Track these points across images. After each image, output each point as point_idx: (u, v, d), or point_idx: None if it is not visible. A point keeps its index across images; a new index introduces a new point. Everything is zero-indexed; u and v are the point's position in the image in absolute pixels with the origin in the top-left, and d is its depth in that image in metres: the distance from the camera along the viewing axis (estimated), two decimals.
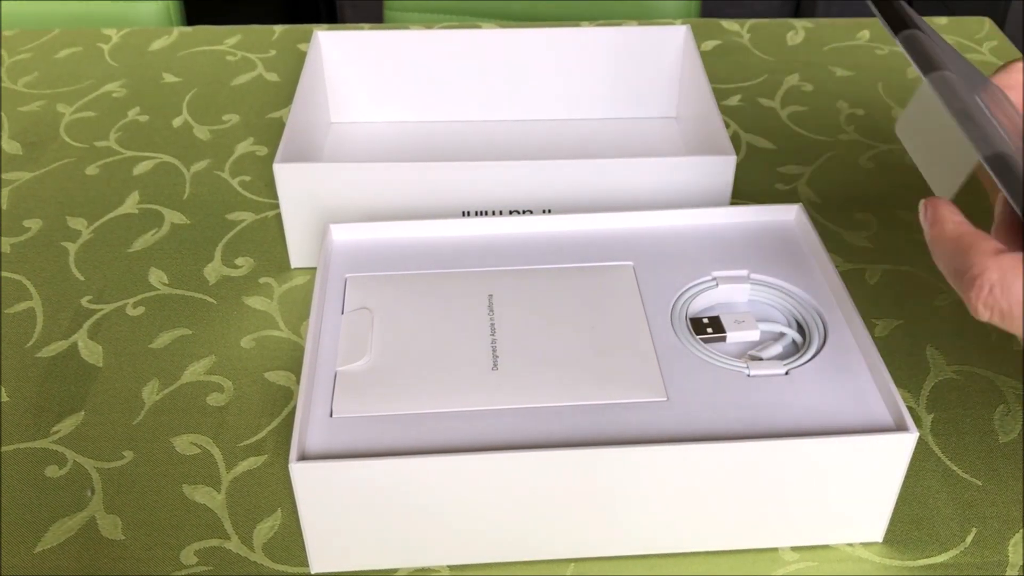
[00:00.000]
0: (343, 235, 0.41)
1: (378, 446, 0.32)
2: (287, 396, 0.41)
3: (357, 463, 0.31)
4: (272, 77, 0.62)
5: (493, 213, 0.45)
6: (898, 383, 0.41)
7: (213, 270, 0.47)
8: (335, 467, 0.31)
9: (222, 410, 0.40)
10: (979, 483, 0.37)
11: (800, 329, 0.37)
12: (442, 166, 0.44)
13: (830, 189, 0.52)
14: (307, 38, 0.66)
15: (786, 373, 0.35)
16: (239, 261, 0.48)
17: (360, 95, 0.55)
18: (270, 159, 0.55)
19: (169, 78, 0.62)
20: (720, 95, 0.60)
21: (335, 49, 0.54)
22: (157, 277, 0.47)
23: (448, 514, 0.32)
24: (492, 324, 0.37)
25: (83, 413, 0.40)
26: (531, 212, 0.45)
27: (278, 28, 0.67)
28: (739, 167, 0.53)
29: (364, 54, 0.54)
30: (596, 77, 0.55)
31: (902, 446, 0.32)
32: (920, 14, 1.02)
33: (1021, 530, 0.35)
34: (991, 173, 0.26)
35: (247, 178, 0.53)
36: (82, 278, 0.47)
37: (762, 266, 0.39)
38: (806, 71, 0.62)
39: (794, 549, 0.34)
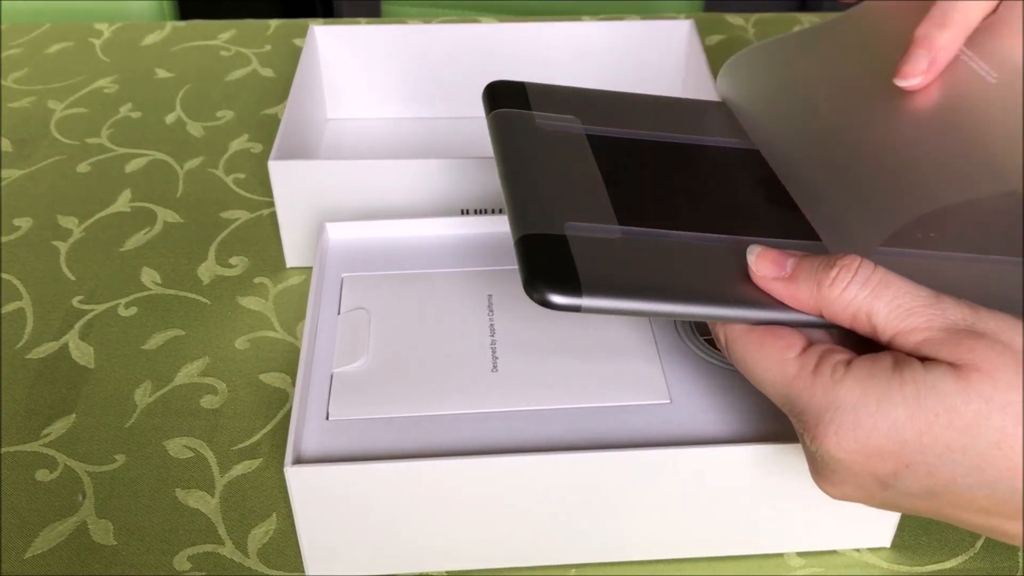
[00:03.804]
0: (339, 234, 0.40)
1: (375, 449, 0.32)
2: (282, 398, 0.40)
3: (354, 467, 0.30)
4: (267, 73, 0.62)
5: (493, 211, 0.44)
6: None
7: (207, 270, 0.47)
8: (331, 471, 0.30)
9: (216, 412, 0.39)
10: None
11: None
12: (440, 163, 0.43)
13: None
14: (303, 33, 0.66)
15: None
16: (233, 260, 0.47)
17: (357, 91, 0.55)
18: (265, 156, 0.54)
19: (162, 74, 0.62)
20: None
21: (331, 44, 0.53)
22: (150, 277, 0.46)
23: (447, 518, 0.32)
24: (491, 325, 0.36)
25: (74, 416, 0.39)
26: None
27: (273, 23, 0.67)
28: None
29: (361, 49, 0.53)
30: (598, 73, 0.54)
31: None
32: None
33: None
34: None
35: (241, 176, 0.53)
36: (73, 278, 0.46)
37: None
38: None
39: (800, 554, 0.34)
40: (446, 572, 0.34)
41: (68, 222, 0.50)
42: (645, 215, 0.30)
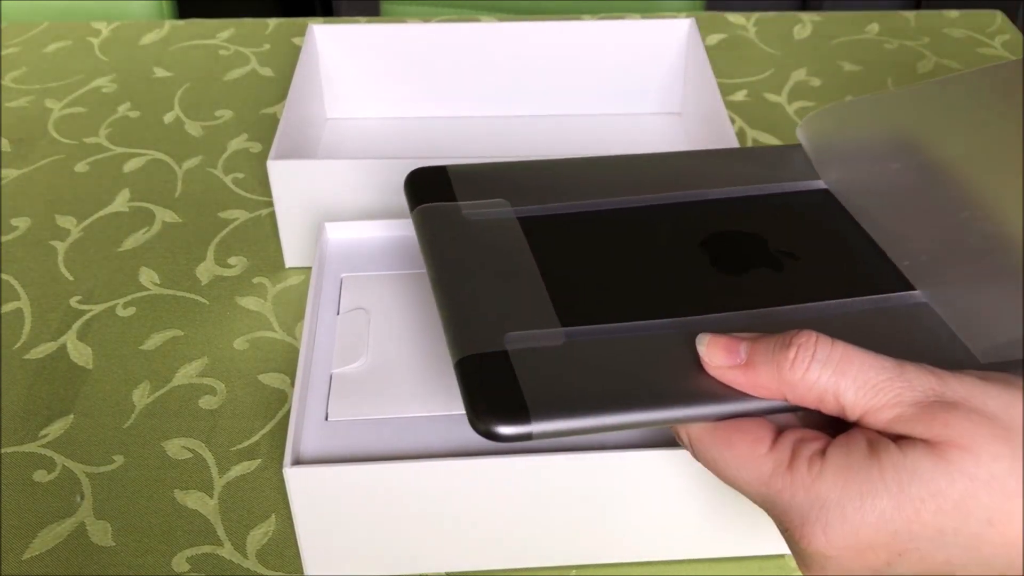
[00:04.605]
0: (338, 234, 0.40)
1: (374, 450, 0.32)
2: (281, 399, 0.40)
3: (353, 467, 0.30)
4: (266, 72, 0.62)
5: None
6: None
7: (205, 270, 0.46)
8: (330, 472, 0.30)
9: (215, 413, 0.39)
10: None
11: None
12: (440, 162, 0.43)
13: None
14: (302, 32, 0.65)
15: None
16: (232, 260, 0.47)
17: (356, 90, 0.55)
18: (264, 156, 0.54)
19: (160, 73, 0.61)
20: (725, 90, 0.59)
21: (330, 43, 0.53)
22: (148, 277, 0.46)
23: (446, 519, 0.32)
24: None
25: (72, 416, 0.39)
26: None
27: (272, 21, 0.67)
28: None
29: (360, 48, 0.53)
30: (599, 72, 0.54)
31: None
32: (931, 7, 1.00)
33: None
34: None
35: (240, 175, 0.53)
36: (71, 278, 0.46)
37: None
38: (813, 65, 0.61)
39: None
40: (445, 573, 0.33)
41: (66, 222, 0.50)
42: (590, 308, 0.27)
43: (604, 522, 0.32)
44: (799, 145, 0.35)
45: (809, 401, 0.24)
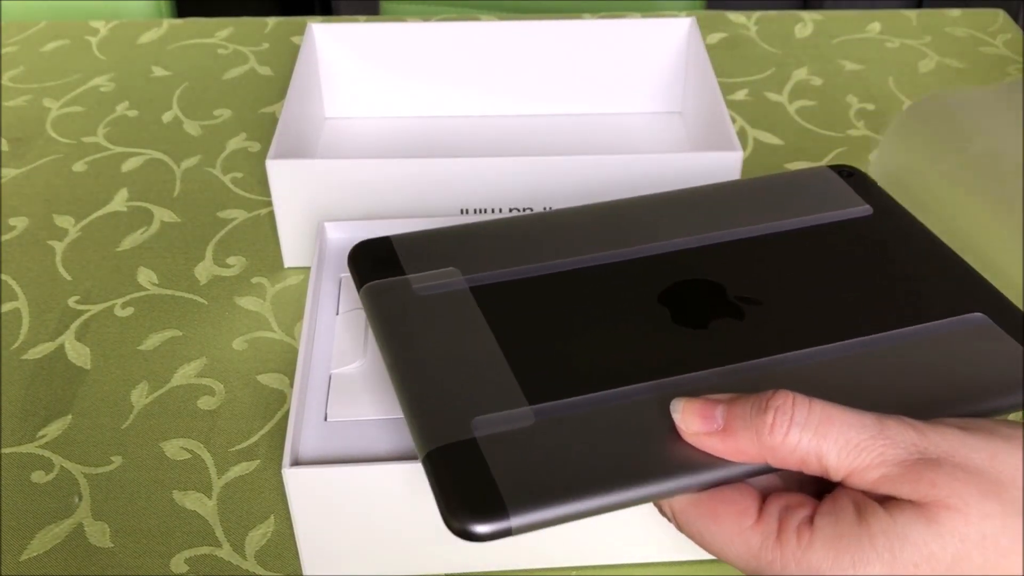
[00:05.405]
0: (338, 233, 0.40)
1: (374, 451, 0.32)
2: (280, 399, 0.40)
3: (352, 468, 0.30)
4: (265, 71, 0.61)
5: (492, 210, 0.44)
6: None
7: (204, 270, 0.46)
8: (329, 472, 0.30)
9: (213, 414, 0.39)
10: None
11: None
12: (439, 162, 0.43)
13: None
14: (301, 31, 0.65)
15: None
16: (231, 260, 0.47)
17: (355, 89, 0.54)
18: (263, 155, 0.54)
19: (159, 72, 0.61)
20: (726, 89, 0.59)
21: (330, 42, 0.53)
22: (146, 277, 0.46)
23: None
24: None
25: (70, 417, 0.39)
26: (531, 209, 0.44)
27: (271, 20, 0.66)
28: (746, 163, 0.52)
29: (360, 47, 0.53)
30: (599, 71, 0.54)
31: None
32: (933, 5, 0.99)
33: None
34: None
35: (239, 175, 0.52)
36: (69, 278, 0.46)
37: None
38: (815, 65, 0.61)
39: None
40: (445, 574, 0.33)
41: (64, 222, 0.49)
42: (558, 381, 0.26)
43: (604, 522, 0.32)
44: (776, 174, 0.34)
45: (791, 464, 0.23)
